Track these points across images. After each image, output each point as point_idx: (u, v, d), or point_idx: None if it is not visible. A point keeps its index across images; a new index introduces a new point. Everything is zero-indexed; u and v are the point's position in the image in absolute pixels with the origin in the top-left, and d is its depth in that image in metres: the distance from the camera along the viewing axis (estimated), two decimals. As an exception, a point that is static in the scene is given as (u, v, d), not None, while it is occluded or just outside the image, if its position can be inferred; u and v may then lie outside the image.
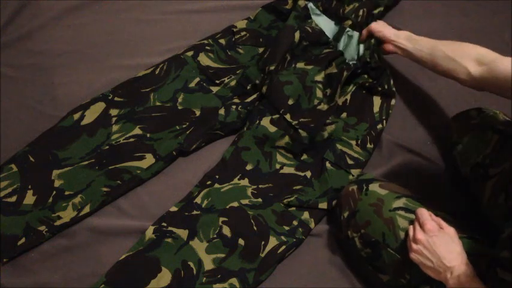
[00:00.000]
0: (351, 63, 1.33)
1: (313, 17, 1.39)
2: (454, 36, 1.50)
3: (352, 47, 1.35)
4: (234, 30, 1.41)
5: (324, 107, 1.27)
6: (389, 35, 1.23)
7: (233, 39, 1.40)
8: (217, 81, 1.33)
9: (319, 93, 1.29)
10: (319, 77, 1.31)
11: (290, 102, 1.27)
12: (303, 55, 1.34)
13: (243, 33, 1.40)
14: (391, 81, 1.31)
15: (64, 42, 1.43)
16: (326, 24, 1.39)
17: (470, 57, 1.06)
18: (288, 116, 1.26)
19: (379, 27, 1.27)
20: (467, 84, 1.08)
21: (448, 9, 1.60)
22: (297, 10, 1.35)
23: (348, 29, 1.35)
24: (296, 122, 1.25)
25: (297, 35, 1.32)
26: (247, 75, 1.32)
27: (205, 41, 1.39)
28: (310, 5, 1.39)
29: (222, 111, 1.29)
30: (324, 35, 1.36)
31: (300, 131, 1.24)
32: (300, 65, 1.33)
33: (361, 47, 1.32)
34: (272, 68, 1.28)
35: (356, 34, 1.34)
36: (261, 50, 1.39)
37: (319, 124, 1.25)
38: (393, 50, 1.24)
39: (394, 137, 1.32)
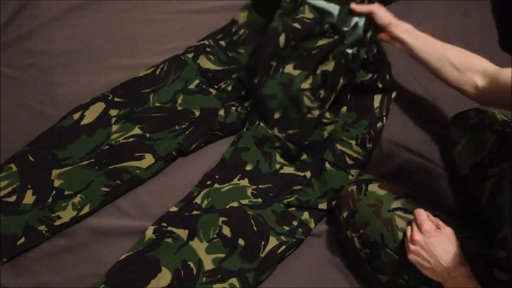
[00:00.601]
0: (349, 51, 1.23)
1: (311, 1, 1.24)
2: (454, 36, 1.51)
3: (355, 34, 1.22)
4: (233, 30, 1.40)
5: (315, 113, 1.23)
6: (389, 23, 1.15)
7: (233, 39, 1.39)
8: (216, 86, 1.33)
9: (307, 102, 1.22)
10: (306, 84, 1.22)
11: (276, 115, 1.24)
12: (292, 54, 1.24)
13: (241, 32, 1.38)
14: (392, 72, 1.28)
15: (64, 42, 1.43)
16: (329, 6, 1.24)
17: (477, 70, 1.04)
18: (275, 130, 1.24)
19: (382, 12, 1.17)
20: (472, 97, 1.06)
21: (448, 9, 1.60)
22: (283, 6, 1.23)
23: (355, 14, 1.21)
24: (284, 134, 1.23)
25: (282, 38, 1.21)
26: (240, 79, 1.31)
27: (206, 42, 1.39)
28: None
29: (221, 112, 1.29)
30: (317, 24, 1.22)
31: (287, 143, 1.23)
32: (288, 68, 1.23)
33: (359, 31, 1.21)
34: (256, 81, 1.24)
35: (362, 20, 1.21)
36: None
37: (308, 133, 1.23)
38: (390, 41, 1.18)
39: (394, 137, 1.32)
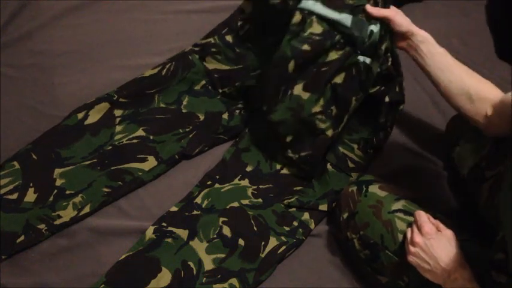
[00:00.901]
0: (361, 59, 1.12)
1: (322, 11, 1.10)
2: (454, 36, 1.51)
3: (369, 42, 1.10)
4: (239, 24, 1.32)
5: (328, 133, 1.17)
6: (408, 31, 1.05)
7: (239, 34, 1.33)
8: (220, 91, 1.33)
9: (319, 125, 1.16)
10: (317, 107, 1.15)
11: (288, 139, 1.20)
12: (302, 74, 1.14)
13: (246, 28, 1.30)
14: (403, 85, 1.20)
15: (64, 42, 1.43)
16: (341, 17, 1.10)
17: (489, 99, 0.98)
18: (289, 152, 1.22)
19: (400, 19, 1.05)
20: (481, 126, 1.00)
21: (448, 9, 1.60)
22: (291, 31, 1.11)
23: (371, 22, 1.08)
24: (297, 156, 1.21)
25: (291, 65, 1.12)
26: (249, 91, 1.30)
27: (211, 40, 1.35)
28: (309, 4, 1.11)
29: (225, 116, 1.29)
30: (327, 38, 1.11)
31: (301, 165, 1.22)
32: (297, 89, 1.14)
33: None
34: (264, 108, 1.20)
35: (377, 27, 1.08)
36: (269, 39, 1.25)
37: (321, 153, 1.20)
38: (404, 48, 1.09)
39: (395, 137, 1.32)
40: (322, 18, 1.11)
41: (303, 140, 1.20)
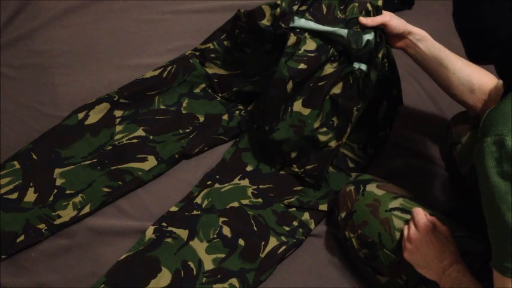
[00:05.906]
0: (356, 66, 1.14)
1: (316, 27, 1.12)
2: (454, 36, 1.51)
3: (365, 50, 1.11)
4: (236, 32, 1.31)
5: (332, 144, 1.18)
6: (405, 31, 1.07)
7: (237, 41, 1.33)
8: (220, 95, 1.34)
9: (322, 138, 1.17)
10: (317, 123, 1.16)
11: (293, 155, 1.21)
12: (300, 90, 1.16)
13: (243, 36, 1.30)
14: (400, 87, 1.22)
15: (64, 42, 1.43)
16: (334, 30, 1.12)
17: (488, 88, 1.02)
18: (294, 167, 1.22)
19: (395, 22, 1.08)
20: (479, 111, 1.04)
21: (448, 9, 1.59)
22: (286, 53, 1.12)
23: (365, 31, 1.09)
24: (302, 170, 1.21)
25: (290, 85, 1.13)
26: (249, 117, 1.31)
27: (210, 45, 1.35)
28: (302, 22, 1.12)
29: (225, 117, 1.30)
30: (322, 53, 1.13)
31: (306, 179, 1.22)
32: (297, 105, 1.16)
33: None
34: (266, 128, 1.21)
35: (372, 35, 1.10)
36: (267, 45, 1.25)
37: (326, 165, 1.19)
38: (403, 47, 1.11)
39: (394, 137, 1.32)
40: (314, 34, 1.12)
41: (307, 154, 1.20)
